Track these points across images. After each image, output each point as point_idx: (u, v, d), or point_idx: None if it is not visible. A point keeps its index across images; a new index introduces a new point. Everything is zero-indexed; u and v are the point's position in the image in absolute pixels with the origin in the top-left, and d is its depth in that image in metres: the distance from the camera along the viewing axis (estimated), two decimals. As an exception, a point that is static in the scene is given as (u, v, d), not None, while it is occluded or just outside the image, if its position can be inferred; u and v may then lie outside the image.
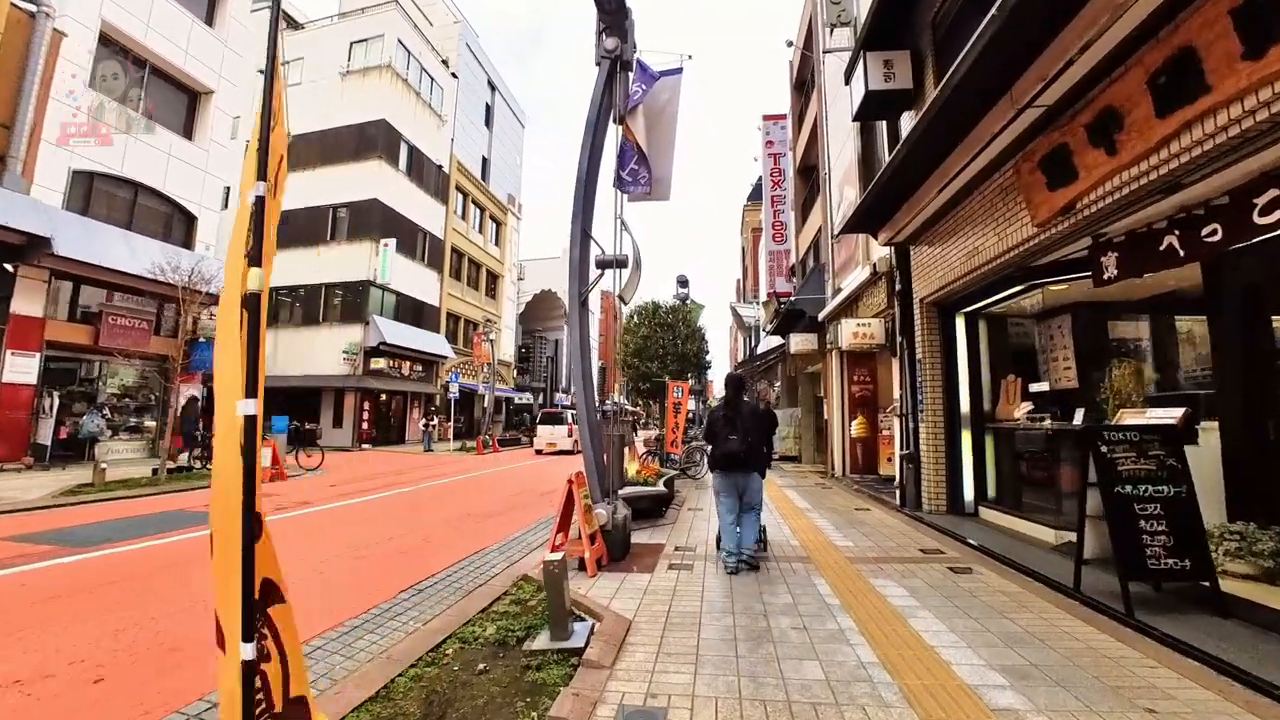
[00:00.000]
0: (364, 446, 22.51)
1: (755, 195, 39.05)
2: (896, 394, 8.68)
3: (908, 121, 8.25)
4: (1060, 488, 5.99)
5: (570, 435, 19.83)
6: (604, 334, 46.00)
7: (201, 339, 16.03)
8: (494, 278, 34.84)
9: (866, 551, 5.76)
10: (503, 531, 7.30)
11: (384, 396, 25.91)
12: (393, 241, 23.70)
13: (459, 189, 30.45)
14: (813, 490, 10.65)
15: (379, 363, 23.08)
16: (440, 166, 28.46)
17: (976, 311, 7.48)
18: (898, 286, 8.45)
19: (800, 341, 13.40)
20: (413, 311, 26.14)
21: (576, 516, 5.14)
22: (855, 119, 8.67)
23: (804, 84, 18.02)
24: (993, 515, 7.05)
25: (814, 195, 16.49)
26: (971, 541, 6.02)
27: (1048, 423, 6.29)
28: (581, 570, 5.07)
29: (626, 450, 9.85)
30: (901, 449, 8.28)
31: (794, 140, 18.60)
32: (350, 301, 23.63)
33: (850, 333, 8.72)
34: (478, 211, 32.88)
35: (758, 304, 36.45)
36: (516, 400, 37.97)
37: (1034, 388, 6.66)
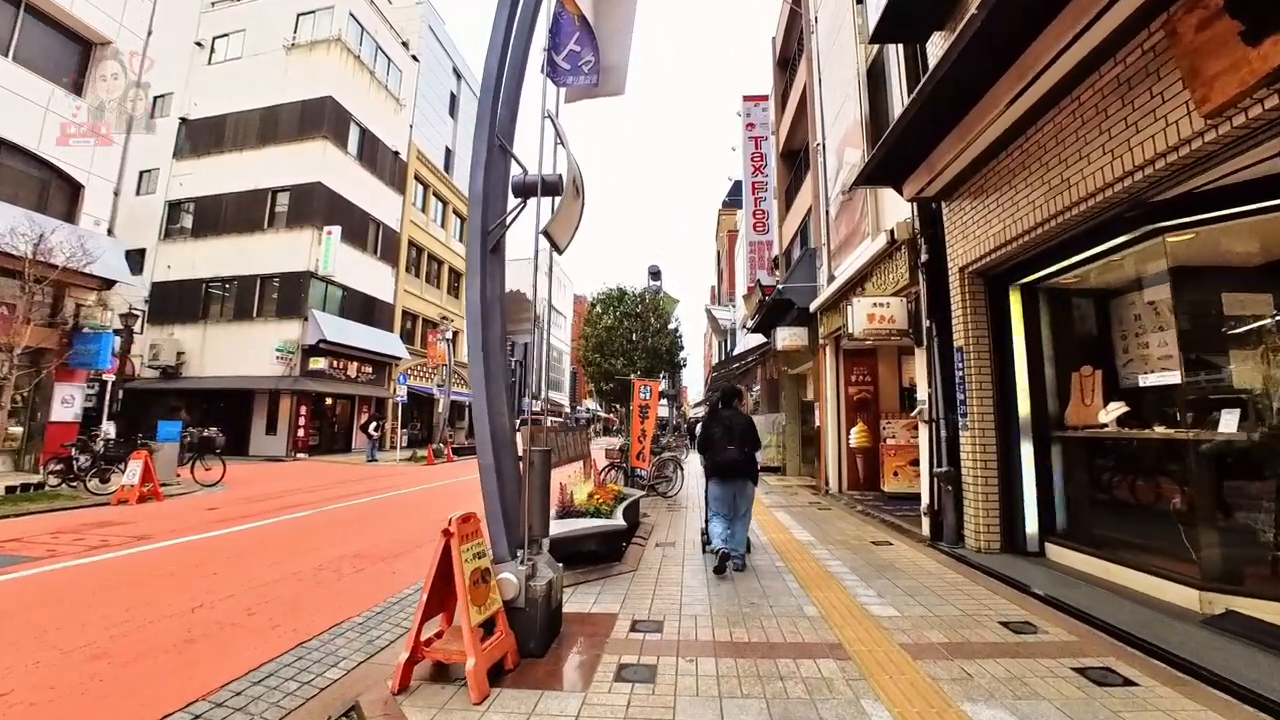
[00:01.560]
0: (299, 456, 19.77)
1: (731, 200, 37.57)
2: (923, 394, 6.70)
3: (935, 49, 6.33)
4: (1196, 524, 4.02)
5: None
6: (576, 340, 43.75)
7: (85, 329, 13.32)
8: (457, 275, 32.29)
9: (924, 630, 3.68)
10: (393, 585, 5.03)
11: (329, 401, 23.17)
12: (337, 230, 21.11)
13: (419, 179, 27.95)
14: (809, 513, 8.60)
15: (318, 362, 20.41)
16: (397, 154, 25.96)
17: (1038, 283, 5.54)
18: (923, 256, 6.49)
19: (788, 337, 11.43)
20: (362, 308, 23.50)
21: (460, 593, 2.94)
22: (872, 40, 6.73)
23: (788, 60, 16.24)
24: (1067, 556, 5.07)
25: (800, 178, 14.65)
26: (1070, 604, 3.99)
27: (1159, 431, 4.34)
28: (461, 686, 2.86)
29: (580, 466, 7.68)
30: (933, 465, 6.28)
31: (777, 123, 16.79)
32: (288, 295, 20.91)
33: (864, 314, 6.70)
34: (440, 205, 30.39)
35: (733, 306, 34.74)
36: (481, 406, 35.27)
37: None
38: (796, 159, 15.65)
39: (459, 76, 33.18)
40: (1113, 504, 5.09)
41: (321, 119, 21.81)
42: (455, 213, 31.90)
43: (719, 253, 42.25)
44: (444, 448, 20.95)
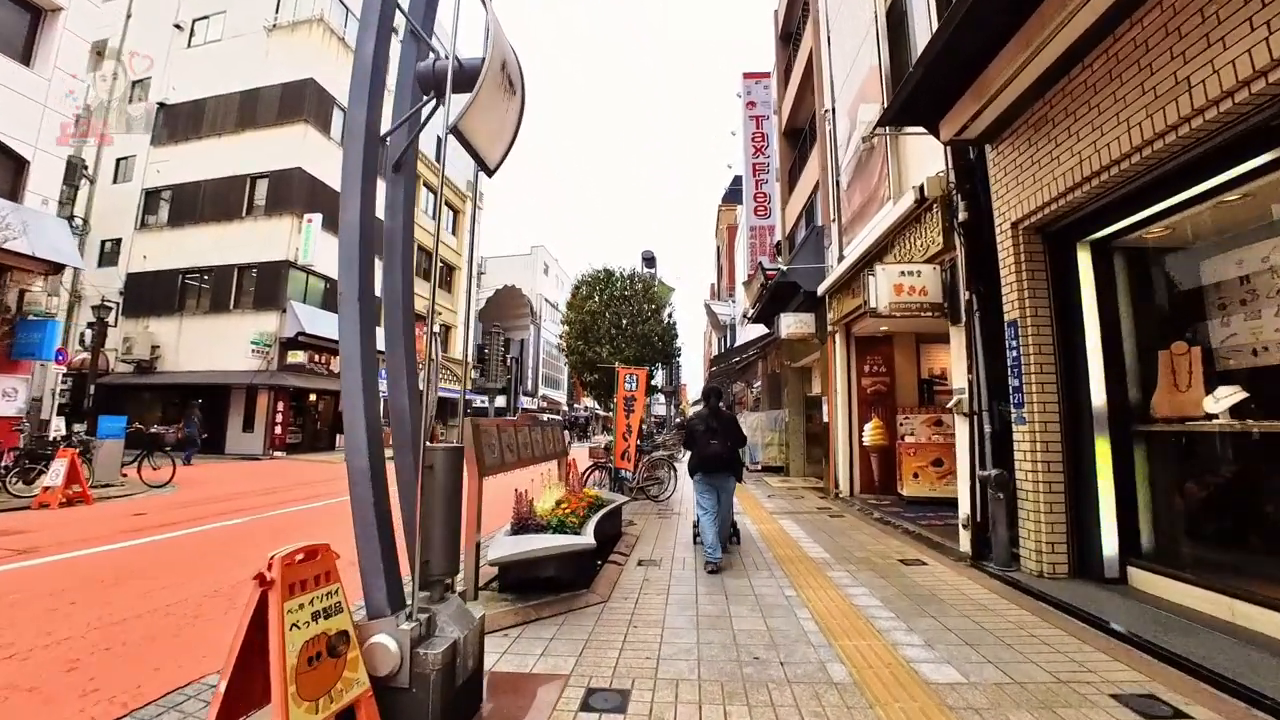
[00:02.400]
0: (276, 454, 18.62)
1: (731, 195, 36.38)
2: (960, 381, 5.52)
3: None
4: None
5: None
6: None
7: (29, 316, 12.18)
8: (449, 269, 31.14)
9: (1009, 711, 2.50)
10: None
11: (312, 397, 22.03)
12: (318, 217, 19.96)
13: (408, 169, 26.75)
14: (819, 521, 7.42)
15: (297, 356, 19.26)
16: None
17: (1114, 238, 4.36)
18: (961, 215, 5.31)
19: (793, 324, 10.25)
20: (346, 300, 22.31)
21: (281, 672, 1.76)
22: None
23: (791, 34, 15.06)
24: (1159, 585, 3.89)
25: (804, 156, 13.47)
26: (1198, 661, 2.81)
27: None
28: None
29: (555, 467, 6.52)
30: (976, 466, 5.09)
31: (779, 100, 15.59)
32: (266, 286, 19.76)
33: (890, 285, 5.50)
34: (430, 196, 29.20)
35: (733, 302, 33.57)
36: (476, 403, 34.16)
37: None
38: (800, 137, 14.47)
39: (452, 65, 32.04)
40: (1224, 516, 3.91)
41: (302, 102, 20.66)
42: (448, 205, 30.74)
43: (718, 248, 41.03)
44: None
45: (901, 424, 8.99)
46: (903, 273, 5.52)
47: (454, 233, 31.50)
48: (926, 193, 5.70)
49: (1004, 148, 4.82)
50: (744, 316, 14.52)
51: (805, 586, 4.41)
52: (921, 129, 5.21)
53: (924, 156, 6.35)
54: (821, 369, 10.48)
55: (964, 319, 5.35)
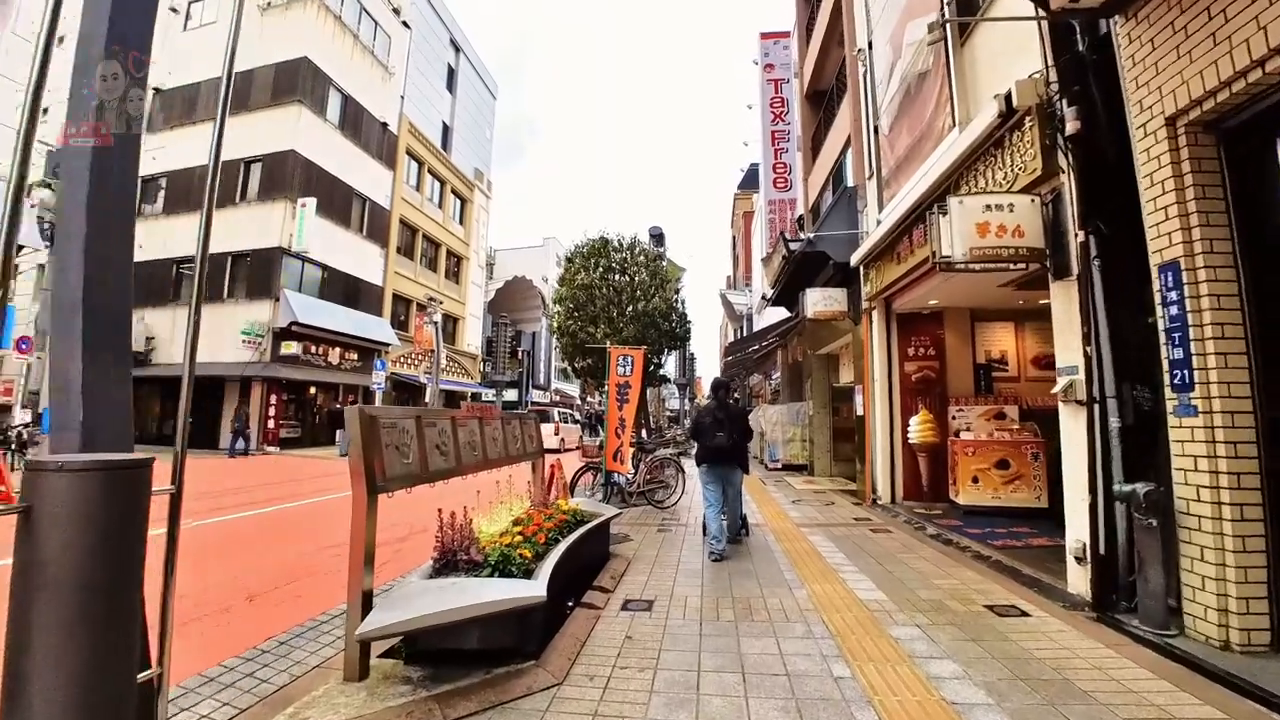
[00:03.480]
0: (269, 449, 17.59)
1: (747, 183, 34.63)
2: (1071, 357, 3.95)
3: None
4: None
5: (557, 434, 18.38)
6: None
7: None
8: (457, 259, 29.98)
9: None
10: None
11: (312, 390, 21.01)
12: (312, 202, 18.83)
13: (411, 154, 25.59)
14: (860, 538, 5.90)
15: (290, 347, 18.18)
16: (385, 125, 23.59)
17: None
18: (1069, 125, 3.74)
19: (821, 302, 8.68)
20: (345, 289, 21.24)
21: None
22: None
23: (814, -14, 13.37)
24: None
25: (830, 118, 11.85)
26: None
27: None
28: None
29: (533, 468, 5.17)
30: (1098, 476, 3.54)
31: (800, 61, 13.93)
32: (259, 274, 18.72)
33: (972, 224, 3.89)
34: (436, 184, 28.04)
35: (749, 290, 31.86)
36: (484, 396, 33.06)
37: None
38: (825, 98, 12.82)
39: (457, 49, 30.78)
40: None
41: (296, 82, 19.54)
42: (455, 193, 29.54)
43: (734, 237, 39.28)
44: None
45: (954, 417, 7.41)
46: (988, 207, 3.95)
47: (461, 222, 30.30)
48: (1016, 102, 4.13)
49: (1150, 10, 3.25)
50: (762, 299, 12.96)
51: (862, 658, 2.93)
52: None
53: (999, 64, 4.78)
54: (853, 354, 8.92)
55: (1075, 269, 3.79)
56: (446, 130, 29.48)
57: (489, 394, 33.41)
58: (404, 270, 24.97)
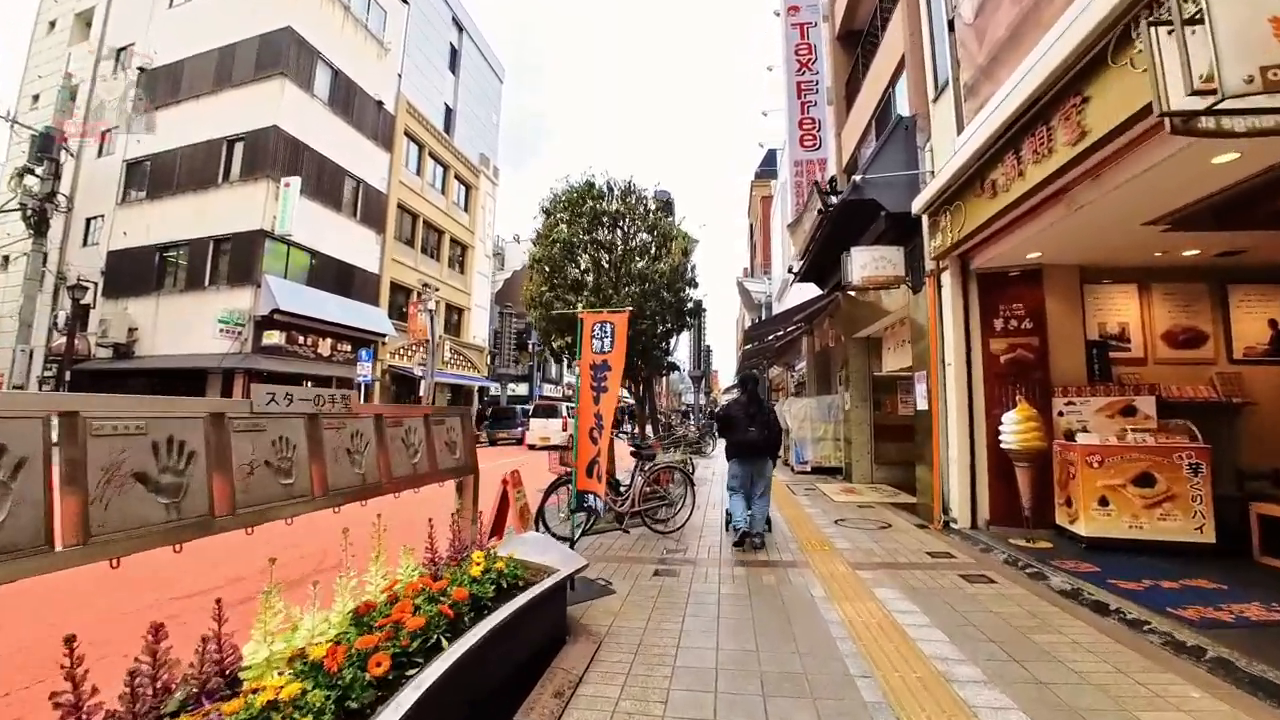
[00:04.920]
0: (250, 447, 16.04)
1: (764, 174, 32.45)
2: None
3: None
4: None
5: (565, 429, 18.30)
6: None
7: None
8: (461, 248, 28.30)
9: None
10: None
11: (307, 383, 19.47)
12: (296, 181, 17.20)
13: (410, 136, 23.89)
14: (948, 591, 3.89)
15: (273, 336, 16.61)
16: (381, 103, 21.90)
17: None
18: None
19: (871, 263, 6.62)
20: (337, 277, 19.64)
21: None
22: None
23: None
24: None
25: (868, 58, 9.72)
26: None
27: None
28: None
29: (458, 489, 3.28)
30: None
31: (831, 1, 11.78)
32: (240, 259, 17.16)
33: (1266, 20, 1.92)
34: (439, 168, 26.33)
35: (768, 279, 29.64)
36: (492, 390, 31.47)
37: None
38: (860, 38, 10.68)
39: (460, 28, 28.97)
40: None
41: (279, 54, 17.88)
42: (459, 179, 27.80)
43: (751, 226, 37.08)
44: (423, 438, 16.96)
45: (1063, 413, 5.34)
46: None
47: (466, 209, 28.59)
48: None
49: None
50: (788, 273, 10.90)
51: None
52: None
53: None
54: (912, 333, 6.84)
55: None
56: (449, 113, 27.75)
57: (495, 388, 31.84)
58: (403, 258, 23.33)
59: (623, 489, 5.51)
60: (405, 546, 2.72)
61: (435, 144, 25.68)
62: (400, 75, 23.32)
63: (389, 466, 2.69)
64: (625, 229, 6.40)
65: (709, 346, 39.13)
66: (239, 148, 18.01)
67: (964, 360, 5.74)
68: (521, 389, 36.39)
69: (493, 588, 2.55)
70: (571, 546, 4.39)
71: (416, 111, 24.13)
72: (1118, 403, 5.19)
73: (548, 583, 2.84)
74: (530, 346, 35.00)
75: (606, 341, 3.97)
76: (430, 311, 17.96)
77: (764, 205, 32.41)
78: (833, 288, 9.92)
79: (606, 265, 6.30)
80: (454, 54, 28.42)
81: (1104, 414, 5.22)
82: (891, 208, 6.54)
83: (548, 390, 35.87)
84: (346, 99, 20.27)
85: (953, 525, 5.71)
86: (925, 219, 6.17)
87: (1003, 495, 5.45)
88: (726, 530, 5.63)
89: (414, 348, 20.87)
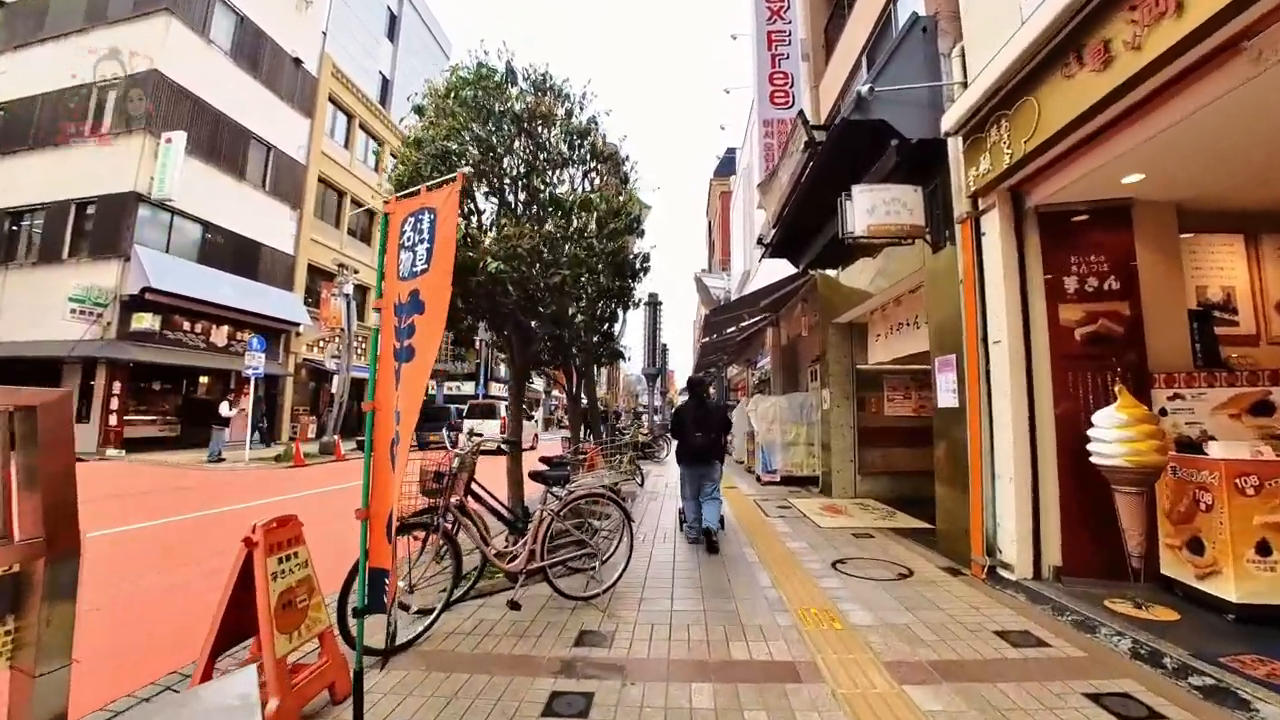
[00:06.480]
0: (111, 453, 12.98)
1: (723, 170, 31.13)
2: None
3: None
4: None
5: (503, 431, 15.50)
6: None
7: None
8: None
9: None
10: None
11: (203, 379, 16.37)
12: (180, 137, 14.20)
13: (336, 103, 20.97)
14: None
15: (144, 320, 13.56)
16: (299, 61, 18.96)
17: None
18: None
19: (881, 205, 4.74)
20: (237, 255, 16.62)
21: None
22: None
23: None
24: None
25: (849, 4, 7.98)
26: None
27: None
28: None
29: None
30: None
31: (806, -59, 10.04)
32: (106, 227, 14.04)
33: None
34: (371, 142, 23.45)
35: (726, 275, 28.10)
36: (430, 389, 28.57)
37: None
38: (843, -24, 8.96)
39: (400, -6, 26.11)
40: None
41: (164, -14, 14.85)
42: (394, 155, 24.86)
43: (710, 224, 35.74)
44: (334, 441, 14.32)
45: (1167, 411, 3.61)
46: None
47: (378, 171, 25.69)
48: None
49: None
50: (758, 244, 9.04)
51: None
52: None
53: None
54: (938, 300, 5.01)
55: None
56: (386, 84, 24.84)
57: (431, 385, 28.97)
58: (325, 239, 20.39)
59: (516, 539, 3.41)
60: None
61: (368, 115, 22.79)
62: (325, 34, 20.41)
63: None
64: (544, 142, 4.28)
65: (665, 345, 37.28)
66: (111, 95, 14.83)
67: (1020, 336, 3.94)
68: (468, 388, 33.57)
69: None
70: (383, 665, 2.27)
71: (344, 76, 21.22)
72: (1246, 396, 3.49)
73: None
74: (476, 342, 32.18)
75: (421, 252, 1.91)
76: (347, 296, 15.27)
77: (723, 201, 31.26)
78: (810, 262, 8.13)
79: (515, 200, 4.19)
80: (393, 20, 25.56)
81: (1226, 412, 3.52)
82: (907, 133, 4.72)
83: (496, 390, 33.19)
84: (255, 51, 17.30)
85: (1002, 573, 3.89)
86: (960, 142, 4.37)
87: (1084, 532, 3.67)
88: (681, 529, 5.58)
89: (328, 336, 18.00)
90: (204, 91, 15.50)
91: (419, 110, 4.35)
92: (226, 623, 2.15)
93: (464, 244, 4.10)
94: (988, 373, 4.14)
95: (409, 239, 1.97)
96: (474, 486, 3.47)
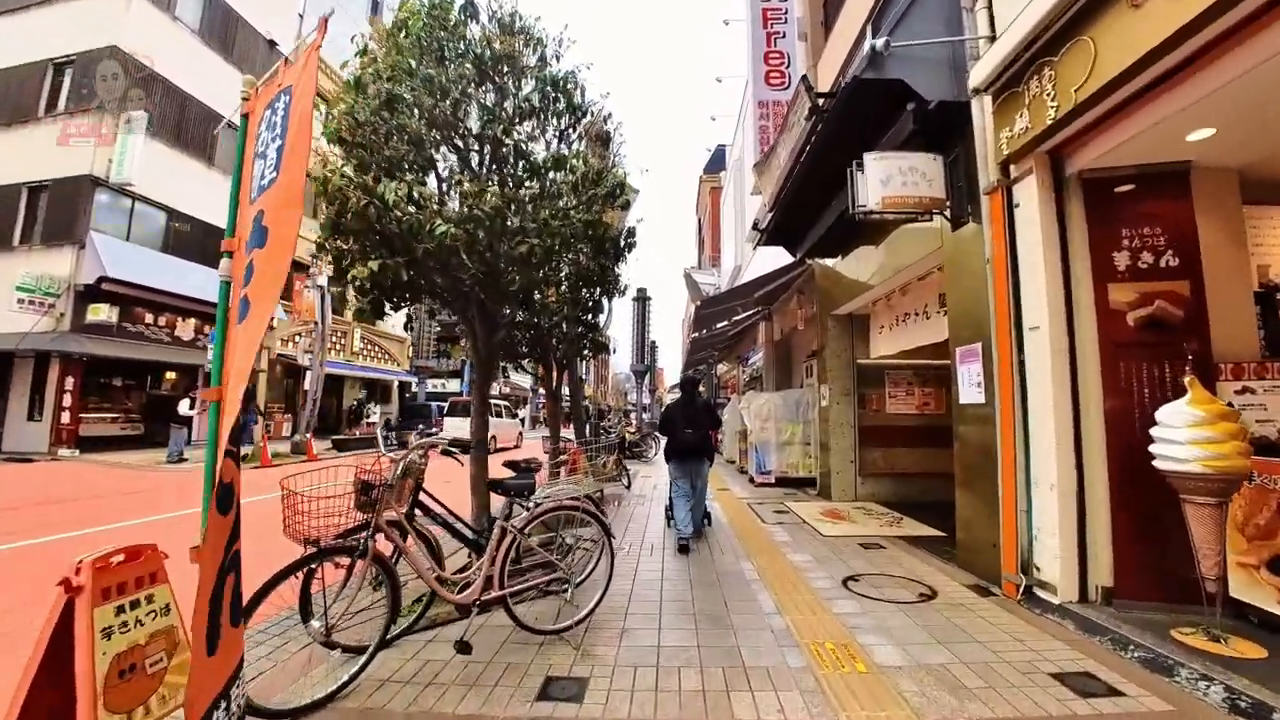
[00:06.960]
0: (63, 453, 12.12)
1: (713, 166, 30.66)
2: None
3: None
4: None
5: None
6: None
7: None
8: (380, 226, 24.52)
9: None
10: None
11: (169, 375, 15.48)
12: (141, 118, 13.34)
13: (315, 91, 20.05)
14: None
15: (100, 311, 12.69)
16: (273, 43, 18.08)
17: None
18: None
19: (893, 175, 4.19)
20: (205, 244, 15.73)
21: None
22: None
23: None
24: None
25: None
26: None
27: None
28: None
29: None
30: None
31: (803, -85, 9.49)
32: (60, 212, 13.14)
33: None
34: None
35: (716, 271, 27.62)
36: (412, 386, 27.82)
37: None
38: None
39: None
40: None
41: (125, -42, 13.95)
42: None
43: (700, 221, 35.23)
44: (305, 440, 13.57)
45: (1240, 404, 3.07)
46: None
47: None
48: None
49: None
50: (753, 229, 8.47)
51: None
52: None
53: None
54: (961, 282, 4.47)
55: None
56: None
57: (414, 383, 28.25)
58: (304, 230, 19.48)
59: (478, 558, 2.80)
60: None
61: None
62: (302, 16, 19.51)
63: None
64: (510, 94, 3.66)
65: (655, 342, 36.70)
66: (67, 74, 13.91)
67: (1063, 321, 3.40)
68: (454, 386, 32.74)
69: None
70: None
71: (322, 61, 20.30)
72: (1333, 388, 2.98)
73: None
74: (462, 340, 31.36)
75: (272, 155, 1.29)
76: (321, 288, 14.49)
77: (713, 197, 30.94)
78: (808, 250, 7.58)
79: (478, 155, 3.57)
80: (375, 4, 24.64)
81: (1307, 406, 3.00)
82: (927, 94, 4.16)
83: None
84: (225, 30, 16.41)
85: (1041, 594, 3.35)
86: (987, 102, 3.83)
87: (1139, 548, 3.14)
88: (668, 526, 5.51)
89: (300, 329, 17.17)
90: (170, 72, 14.59)
91: (363, 52, 3.72)
92: (34, 708, 1.51)
93: (411, 201, 3.45)
94: (1021, 364, 3.60)
95: (263, 140, 1.37)
96: (422, 497, 2.86)
